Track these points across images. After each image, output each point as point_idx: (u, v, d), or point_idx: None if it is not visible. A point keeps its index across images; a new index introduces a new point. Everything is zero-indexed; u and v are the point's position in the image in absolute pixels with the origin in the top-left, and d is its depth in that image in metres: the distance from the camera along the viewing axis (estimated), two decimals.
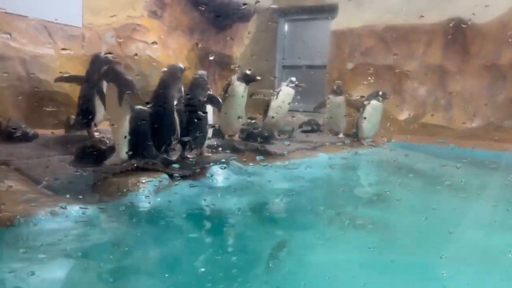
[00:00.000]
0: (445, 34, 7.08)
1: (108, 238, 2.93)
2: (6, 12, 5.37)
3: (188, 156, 4.39)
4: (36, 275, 2.26)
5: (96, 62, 4.97)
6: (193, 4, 8.16)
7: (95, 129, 5.08)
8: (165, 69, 4.62)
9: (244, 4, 7.92)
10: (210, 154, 4.64)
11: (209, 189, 4.00)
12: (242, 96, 5.47)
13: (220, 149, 4.89)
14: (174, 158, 4.26)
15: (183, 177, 3.99)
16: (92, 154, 3.97)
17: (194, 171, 4.13)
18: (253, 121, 5.93)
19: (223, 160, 4.46)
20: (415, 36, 7.44)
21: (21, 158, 4.12)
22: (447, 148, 5.84)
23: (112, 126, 3.87)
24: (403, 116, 7.59)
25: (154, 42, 6.99)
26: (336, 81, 7.36)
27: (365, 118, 6.73)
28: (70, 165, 3.90)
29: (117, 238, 2.98)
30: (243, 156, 4.92)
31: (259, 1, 7.80)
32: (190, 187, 3.91)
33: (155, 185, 3.64)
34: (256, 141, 5.54)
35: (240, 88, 5.45)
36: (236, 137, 5.77)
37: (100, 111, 4.88)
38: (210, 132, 4.53)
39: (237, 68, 6.05)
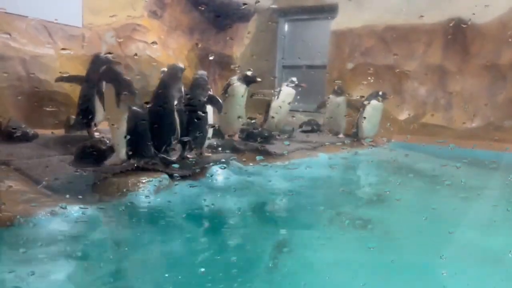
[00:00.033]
0: (445, 34, 7.08)
1: (108, 238, 2.94)
2: (6, 12, 5.37)
3: (188, 156, 4.39)
4: (36, 275, 2.26)
5: (97, 62, 4.97)
6: (193, 4, 8.16)
7: (95, 129, 5.08)
8: (164, 69, 4.62)
9: (244, 4, 7.92)
10: (210, 154, 4.64)
11: (209, 189, 4.00)
12: (242, 96, 5.47)
13: (220, 149, 4.89)
14: (174, 158, 4.26)
15: (183, 177, 3.99)
16: (92, 154, 3.98)
17: (194, 171, 4.13)
18: (253, 121, 5.93)
19: (223, 160, 4.46)
20: (415, 36, 7.44)
21: (21, 158, 4.12)
22: (447, 148, 5.84)
23: (111, 126, 3.87)
24: (403, 116, 7.59)
25: (154, 42, 6.99)
26: (336, 81, 7.37)
27: (365, 118, 6.73)
28: (70, 165, 3.90)
29: (117, 238, 2.98)
30: (243, 156, 4.92)
31: (259, 1, 7.80)
32: (190, 187, 3.91)
33: (155, 185, 3.65)
34: (256, 141, 5.54)
35: (240, 88, 5.45)
36: (236, 137, 5.77)
37: (100, 111, 4.88)
38: (210, 132, 4.53)
39: (237, 68, 6.05)
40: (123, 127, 3.74)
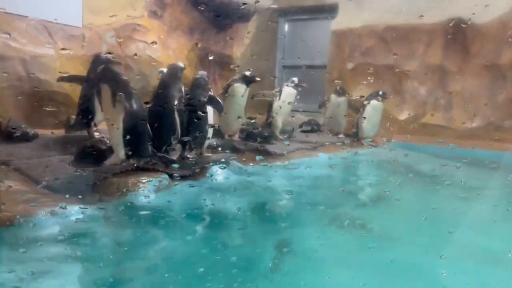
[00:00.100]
0: (445, 34, 7.08)
1: (108, 238, 2.94)
2: (6, 12, 5.37)
3: (188, 156, 4.39)
4: (36, 275, 2.26)
5: (97, 62, 4.96)
6: (193, 4, 8.16)
7: (95, 129, 5.07)
8: (162, 69, 4.62)
9: (244, 4, 7.92)
10: (210, 154, 4.64)
11: (209, 189, 4.00)
12: (242, 96, 5.47)
13: (220, 149, 4.90)
14: (174, 158, 4.26)
15: (183, 177, 3.99)
16: (92, 154, 3.98)
17: (194, 171, 4.13)
18: (252, 121, 5.93)
19: (223, 160, 4.46)
20: (415, 36, 7.44)
21: (21, 158, 4.12)
22: (447, 148, 5.84)
23: (109, 126, 3.87)
24: (403, 116, 7.59)
25: (153, 42, 6.99)
26: (335, 81, 7.37)
27: (365, 118, 6.73)
28: (70, 165, 3.91)
29: (117, 238, 2.98)
30: (243, 156, 4.92)
31: (258, 1, 7.80)
32: (190, 187, 3.91)
33: (155, 185, 3.65)
34: (256, 141, 5.54)
35: (240, 89, 5.45)
36: (236, 137, 5.77)
37: (99, 111, 4.87)
38: (210, 132, 4.53)
39: (237, 68, 6.05)
40: (120, 127, 3.74)
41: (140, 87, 6.32)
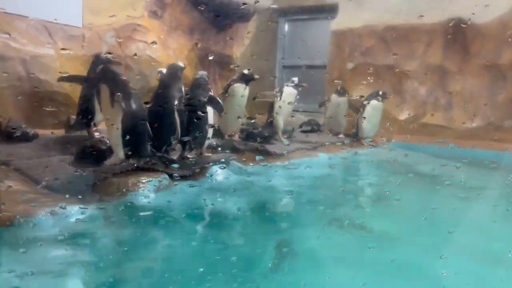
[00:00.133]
0: (445, 34, 7.08)
1: (108, 238, 2.94)
2: (6, 12, 5.36)
3: (188, 156, 4.40)
4: (36, 275, 2.26)
5: (97, 62, 4.97)
6: (193, 4, 8.16)
7: (95, 129, 5.07)
8: (161, 69, 4.62)
9: (244, 4, 7.92)
10: (210, 154, 4.64)
11: (208, 189, 4.00)
12: (242, 96, 5.47)
13: (220, 149, 4.90)
14: (174, 158, 4.26)
15: (183, 177, 4.00)
16: (92, 154, 3.98)
17: (194, 171, 4.13)
18: (252, 121, 5.93)
19: (223, 160, 4.46)
20: (415, 36, 7.44)
21: (21, 158, 4.12)
22: (447, 148, 5.84)
23: (108, 126, 3.87)
24: (403, 116, 7.59)
25: (153, 42, 6.99)
26: (335, 81, 7.37)
27: (365, 118, 6.73)
28: (70, 165, 3.91)
29: (117, 238, 2.98)
30: (243, 156, 4.92)
31: (258, 1, 7.80)
32: (190, 187, 3.91)
33: (155, 185, 3.65)
34: (255, 141, 5.54)
35: (240, 89, 5.45)
36: (236, 137, 5.77)
37: (99, 111, 4.87)
38: (210, 132, 4.53)
39: (236, 68, 6.04)
40: (119, 127, 3.73)
41: (140, 87, 6.33)
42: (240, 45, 8.88)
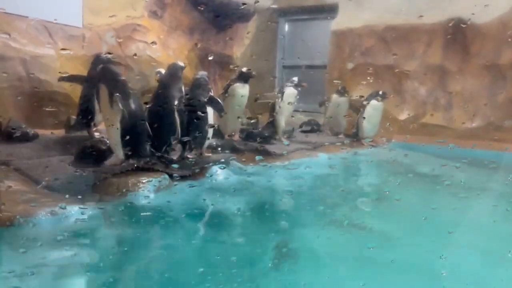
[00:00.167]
0: (445, 34, 7.08)
1: (108, 238, 2.94)
2: (6, 12, 5.36)
3: (188, 156, 4.40)
4: (36, 275, 2.26)
5: (98, 62, 4.97)
6: (193, 4, 8.16)
7: (95, 129, 5.08)
8: (159, 70, 4.61)
9: (244, 4, 7.92)
10: (210, 154, 4.64)
11: (208, 189, 4.00)
12: (242, 96, 5.47)
13: (220, 149, 4.90)
14: (174, 158, 4.26)
15: (183, 177, 4.00)
16: (92, 154, 3.98)
17: (194, 171, 4.13)
18: (252, 121, 5.92)
19: (223, 160, 4.46)
20: (415, 36, 7.44)
21: (21, 158, 4.12)
22: (447, 148, 5.84)
23: (107, 127, 3.87)
24: (403, 116, 7.59)
25: (153, 42, 6.99)
26: (335, 81, 7.37)
27: (364, 118, 6.73)
28: (70, 165, 3.91)
29: (117, 238, 2.98)
30: (242, 156, 4.92)
31: (258, 1, 7.80)
32: (190, 187, 3.91)
33: (155, 185, 3.65)
34: (255, 141, 5.54)
35: (239, 89, 5.45)
36: (237, 137, 5.77)
37: (99, 111, 4.88)
38: (210, 132, 4.53)
39: (236, 68, 6.04)
40: (117, 127, 3.73)
41: (140, 87, 6.33)
42: (240, 45, 8.88)
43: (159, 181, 3.72)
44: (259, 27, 9.00)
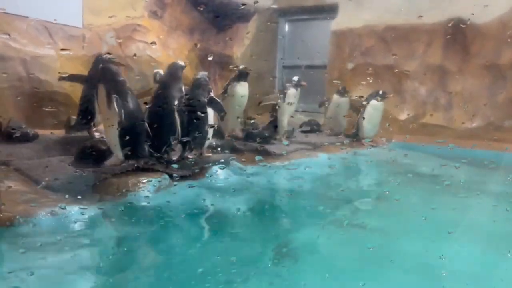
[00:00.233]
0: (445, 34, 7.08)
1: (107, 238, 2.94)
2: (6, 12, 5.37)
3: (188, 156, 4.40)
4: (36, 275, 2.26)
5: (98, 62, 4.96)
6: (193, 4, 8.16)
7: (95, 129, 5.08)
8: (158, 70, 4.61)
9: (244, 4, 7.92)
10: (210, 154, 4.64)
11: (208, 189, 4.00)
12: (242, 96, 5.48)
13: (219, 149, 4.90)
14: (174, 158, 4.26)
15: (183, 177, 4.00)
16: (92, 154, 3.98)
17: (194, 171, 4.14)
18: (252, 121, 5.92)
19: (223, 160, 4.46)
20: (415, 36, 7.44)
21: (21, 158, 4.12)
22: (447, 148, 5.84)
23: (106, 127, 3.87)
24: (403, 116, 7.59)
25: (153, 42, 6.99)
26: (335, 81, 7.38)
27: (364, 118, 6.73)
28: (70, 166, 3.91)
29: (116, 238, 2.99)
30: (242, 156, 4.92)
31: (258, 1, 7.80)
32: (190, 187, 3.91)
33: (154, 185, 3.65)
34: (255, 141, 5.54)
35: (239, 89, 5.45)
36: (240, 135, 5.75)
37: (99, 111, 4.88)
38: (210, 132, 4.53)
39: (235, 68, 6.05)
40: (115, 128, 3.72)
41: (140, 87, 6.34)
42: (240, 45, 8.89)
43: (159, 181, 3.73)
44: (259, 27, 9.00)
